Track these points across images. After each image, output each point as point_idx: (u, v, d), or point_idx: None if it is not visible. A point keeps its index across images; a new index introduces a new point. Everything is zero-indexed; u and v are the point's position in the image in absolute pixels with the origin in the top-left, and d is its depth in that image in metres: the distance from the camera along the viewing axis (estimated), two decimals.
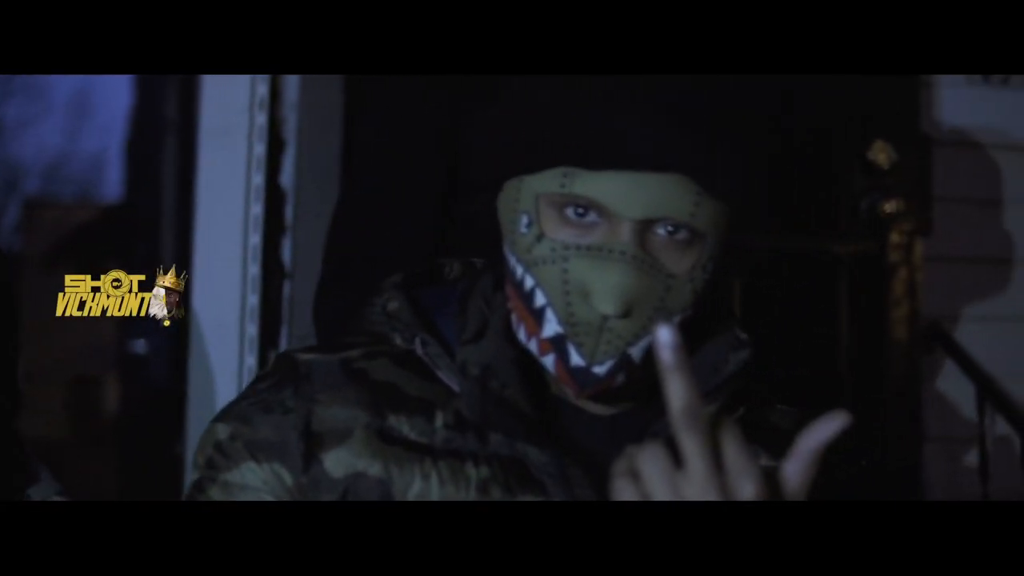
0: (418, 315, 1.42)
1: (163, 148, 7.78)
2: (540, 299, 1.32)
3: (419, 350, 1.39)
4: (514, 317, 1.37)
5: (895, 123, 3.68)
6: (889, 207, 3.59)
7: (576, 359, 1.31)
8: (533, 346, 1.35)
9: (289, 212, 3.10)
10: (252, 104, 3.05)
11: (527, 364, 1.36)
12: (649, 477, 1.11)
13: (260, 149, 3.06)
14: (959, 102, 3.83)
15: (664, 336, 1.11)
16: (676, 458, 1.11)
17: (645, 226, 1.29)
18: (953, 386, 3.72)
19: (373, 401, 1.35)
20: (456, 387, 1.36)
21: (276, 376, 1.39)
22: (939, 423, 3.72)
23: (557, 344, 1.32)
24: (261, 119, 3.05)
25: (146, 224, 9.98)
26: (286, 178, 3.08)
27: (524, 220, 1.33)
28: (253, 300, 3.06)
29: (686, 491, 1.10)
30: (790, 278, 3.61)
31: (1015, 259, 3.87)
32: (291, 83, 3.06)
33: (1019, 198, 3.86)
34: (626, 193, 1.27)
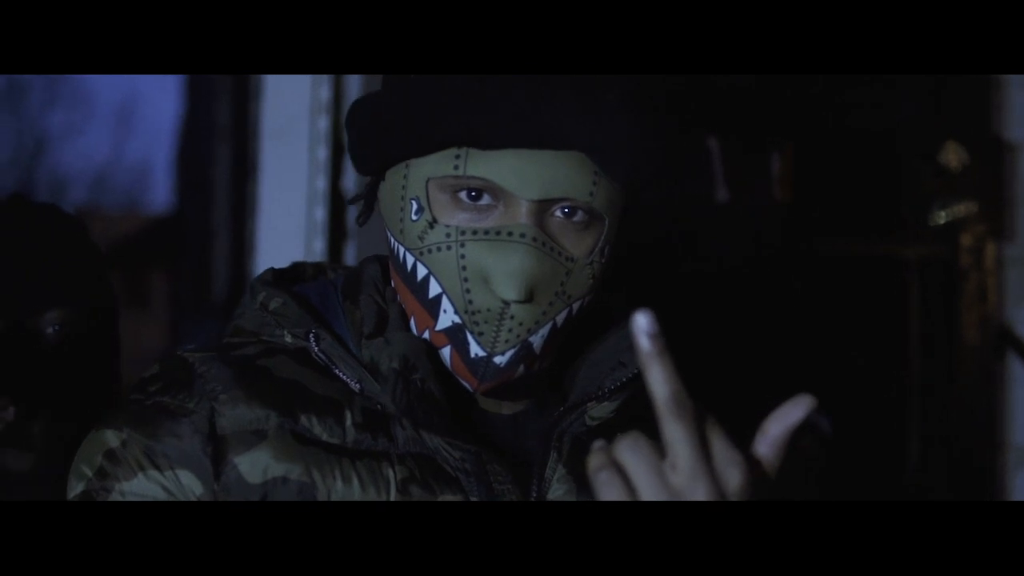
0: (305, 310, 1.35)
1: (214, 155, 7.80)
2: (435, 288, 1.27)
3: (314, 348, 1.33)
4: (403, 309, 1.33)
5: (967, 125, 3.62)
6: (960, 210, 3.54)
7: (476, 349, 1.27)
8: (426, 338, 1.30)
9: (352, 217, 3.06)
10: (314, 107, 3.02)
11: (436, 357, 1.31)
12: (634, 470, 1.05)
13: (323, 153, 3.02)
14: None
15: (642, 322, 1.04)
16: (656, 446, 1.06)
17: (543, 207, 1.25)
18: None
19: (281, 400, 1.28)
20: (355, 385, 1.30)
21: (168, 377, 1.31)
22: (1017, 429, 3.65)
23: (454, 335, 1.28)
24: (323, 123, 3.02)
25: (196, 233, 10.02)
26: (349, 182, 3.05)
27: (413, 207, 1.28)
28: None
29: (674, 480, 1.05)
30: (860, 282, 3.56)
31: None
32: (353, 86, 3.03)
33: None
34: (523, 173, 1.23)
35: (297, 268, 1.45)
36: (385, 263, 1.38)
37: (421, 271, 1.28)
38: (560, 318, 1.28)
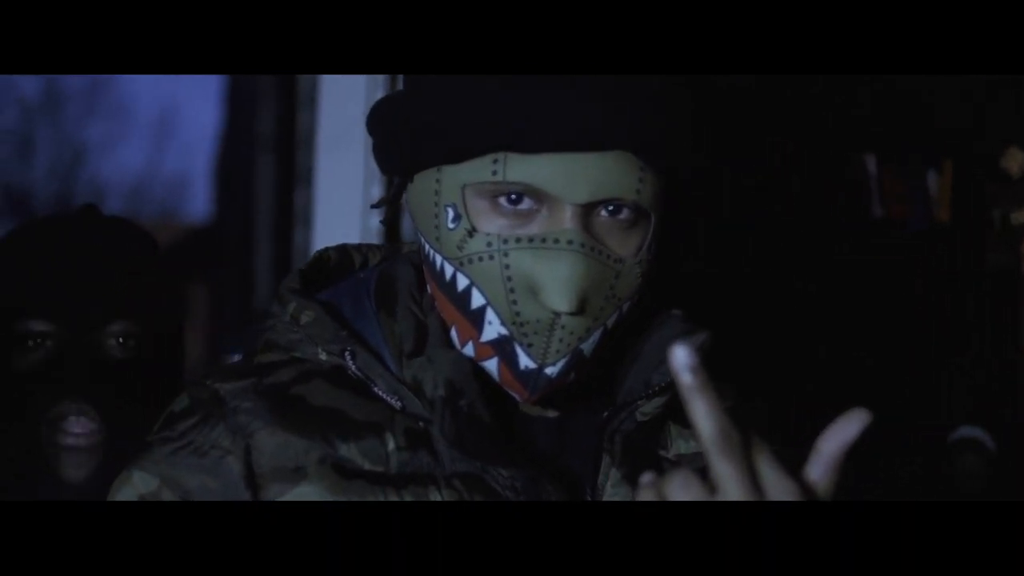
0: (339, 325, 1.28)
1: (255, 164, 7.80)
2: (478, 299, 1.21)
3: (351, 366, 1.26)
4: (442, 320, 1.27)
5: None
6: (1021, 216, 3.49)
7: (526, 362, 1.21)
8: (469, 351, 1.24)
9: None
10: None
11: (480, 371, 1.25)
12: None
13: None
14: None
15: (681, 357, 0.99)
16: (706, 483, 1.01)
17: (588, 209, 1.19)
18: None
19: (320, 430, 1.23)
20: (396, 403, 1.24)
21: (199, 412, 1.25)
22: None
23: (501, 347, 1.22)
24: None
25: (236, 244, 10.04)
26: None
27: (449, 214, 1.22)
28: None
29: None
30: (925, 289, 3.51)
31: None
32: None
33: None
34: (568, 175, 1.18)
35: (321, 261, 1.37)
36: (417, 264, 1.31)
37: (462, 282, 1.22)
38: (611, 321, 1.23)
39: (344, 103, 3.02)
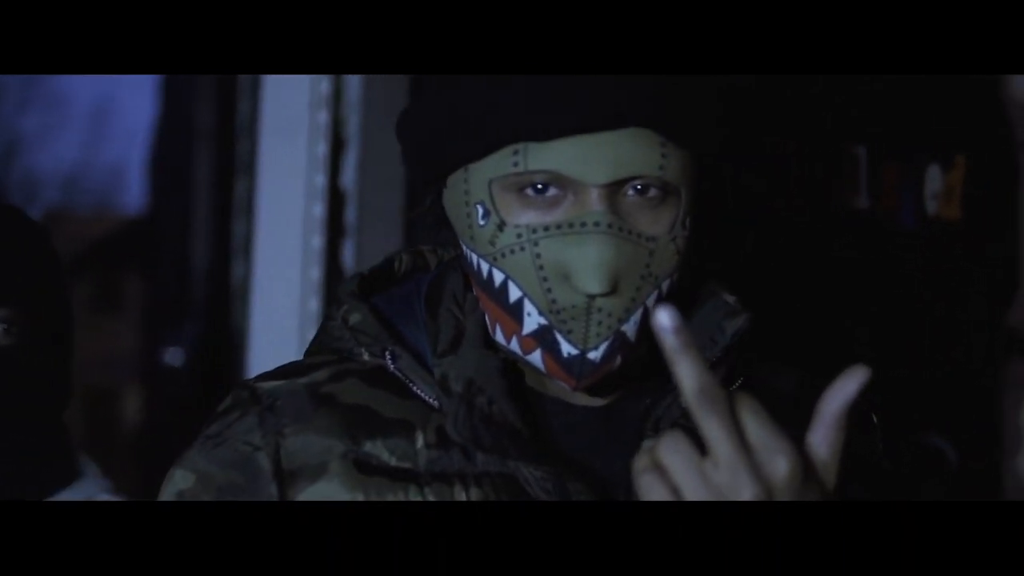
0: (384, 326, 1.32)
1: (192, 155, 7.75)
2: (515, 292, 1.24)
3: (390, 366, 1.30)
4: (488, 319, 1.28)
5: None
6: None
7: (568, 348, 1.23)
8: (515, 346, 1.26)
9: (351, 214, 3.02)
10: (313, 102, 2.98)
11: (509, 371, 1.27)
12: (675, 469, 1.03)
13: (322, 148, 2.98)
14: None
15: (664, 319, 1.02)
16: (699, 445, 1.04)
17: (613, 190, 1.21)
18: None
19: (346, 428, 1.26)
20: (434, 402, 1.27)
21: (238, 410, 1.29)
22: None
23: (543, 337, 1.23)
24: (323, 117, 2.98)
25: (173, 235, 9.96)
26: (348, 179, 3.01)
27: (479, 211, 1.25)
28: (313, 305, 3.00)
29: (716, 477, 1.03)
30: (904, 288, 3.48)
31: None
32: (354, 81, 2.99)
33: None
34: (587, 157, 1.19)
35: (388, 264, 1.40)
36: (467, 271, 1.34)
37: (498, 276, 1.24)
38: (651, 301, 1.24)
39: (287, 91, 3.00)
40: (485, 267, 1.25)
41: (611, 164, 1.19)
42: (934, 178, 3.06)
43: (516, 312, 1.24)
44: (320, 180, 2.98)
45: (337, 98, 3.00)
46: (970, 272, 3.15)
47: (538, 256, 1.21)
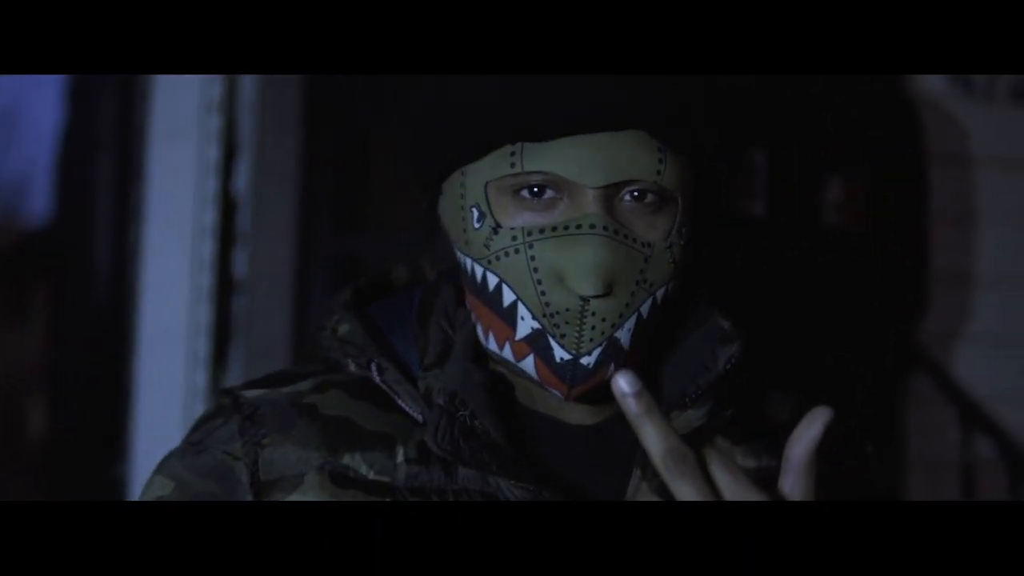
0: (372, 337, 1.30)
1: (94, 162, 7.64)
2: (508, 296, 1.21)
3: (376, 378, 1.28)
4: (480, 328, 1.26)
5: None
6: None
7: (561, 353, 1.20)
8: (508, 352, 1.23)
9: (243, 220, 2.97)
10: (205, 105, 2.92)
11: (496, 386, 1.25)
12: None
13: (213, 153, 2.92)
14: None
15: (623, 385, 1.03)
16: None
17: (609, 193, 1.19)
18: None
19: (325, 439, 1.23)
20: (418, 416, 1.25)
21: (220, 418, 1.27)
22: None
23: (535, 342, 1.21)
24: (215, 121, 2.92)
25: (76, 243, 9.83)
26: (240, 184, 2.95)
27: (475, 215, 1.22)
28: (203, 313, 2.93)
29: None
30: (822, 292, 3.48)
31: None
32: (247, 84, 2.94)
33: None
34: (584, 159, 1.17)
35: (383, 275, 1.39)
36: (460, 283, 1.31)
37: (492, 280, 1.21)
38: (645, 308, 1.21)
39: (177, 95, 2.96)
40: (479, 271, 1.23)
41: (608, 167, 1.17)
42: (835, 186, 3.07)
43: (509, 316, 1.22)
44: (211, 185, 2.93)
45: (230, 101, 2.94)
46: (871, 282, 3.15)
47: (533, 259, 1.19)
